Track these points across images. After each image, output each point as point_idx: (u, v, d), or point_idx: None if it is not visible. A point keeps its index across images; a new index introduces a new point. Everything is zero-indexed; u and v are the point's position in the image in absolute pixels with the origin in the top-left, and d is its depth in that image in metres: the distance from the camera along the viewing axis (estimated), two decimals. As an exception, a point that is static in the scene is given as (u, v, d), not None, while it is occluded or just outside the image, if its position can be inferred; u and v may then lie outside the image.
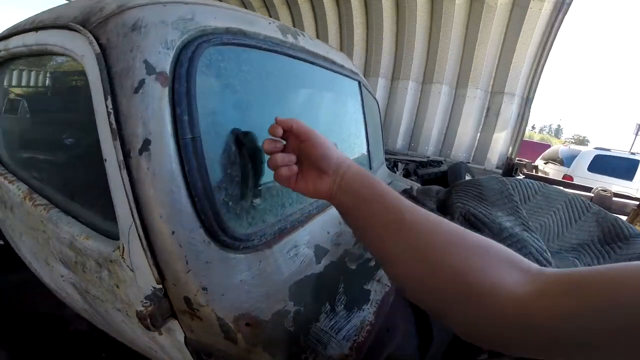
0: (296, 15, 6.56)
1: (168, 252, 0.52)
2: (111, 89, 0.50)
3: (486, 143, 5.49)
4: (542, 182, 1.18)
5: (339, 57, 1.25)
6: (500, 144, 5.39)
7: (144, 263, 0.57)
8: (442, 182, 4.05)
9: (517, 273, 0.34)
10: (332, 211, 0.90)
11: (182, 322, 0.64)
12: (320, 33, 6.31)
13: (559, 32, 5.02)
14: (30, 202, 0.89)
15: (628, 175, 6.12)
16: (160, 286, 0.58)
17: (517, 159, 5.08)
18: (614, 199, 3.31)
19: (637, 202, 2.86)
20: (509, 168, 4.46)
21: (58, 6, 0.74)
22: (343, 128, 1.19)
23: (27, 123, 1.15)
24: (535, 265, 0.36)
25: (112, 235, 0.65)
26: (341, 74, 1.22)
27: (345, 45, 6.16)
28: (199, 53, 0.53)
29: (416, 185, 1.36)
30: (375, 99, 1.88)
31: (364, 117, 1.33)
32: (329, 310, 0.68)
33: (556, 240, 1.18)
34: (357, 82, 1.38)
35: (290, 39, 0.85)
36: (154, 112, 0.49)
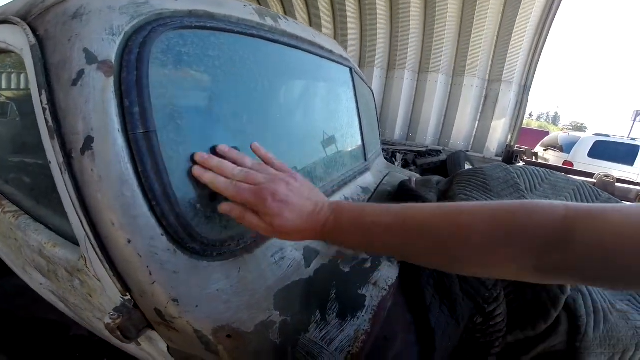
0: (288, 7, 6.45)
1: (127, 263, 0.47)
2: (47, 82, 0.43)
3: (484, 131, 5.43)
4: (547, 170, 1.11)
5: (328, 42, 1.16)
6: (498, 132, 5.34)
7: (106, 274, 0.52)
8: (441, 172, 4.00)
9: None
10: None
11: (160, 332, 0.59)
12: (314, 23, 6.22)
13: (555, 18, 4.94)
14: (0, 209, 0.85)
15: (628, 160, 6.09)
16: (129, 297, 0.53)
17: (516, 146, 5.02)
18: (616, 184, 3.26)
19: (642, 187, 2.79)
20: (509, 155, 4.41)
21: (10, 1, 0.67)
22: (334, 118, 1.11)
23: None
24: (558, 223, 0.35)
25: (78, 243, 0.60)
26: (330, 59, 1.13)
27: (339, 36, 6.07)
28: (152, 38, 0.47)
29: (415, 176, 1.29)
30: (369, 87, 1.80)
31: (357, 106, 1.25)
32: (320, 319, 0.62)
33: (567, 233, 1.12)
34: (348, 69, 1.29)
35: (269, 22, 0.77)
36: (96, 105, 0.42)
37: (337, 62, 1.20)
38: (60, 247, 0.66)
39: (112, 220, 0.43)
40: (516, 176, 0.96)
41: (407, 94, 5.82)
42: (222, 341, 0.56)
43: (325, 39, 1.14)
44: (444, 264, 0.45)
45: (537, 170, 1.05)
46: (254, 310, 0.58)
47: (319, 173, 0.87)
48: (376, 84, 5.90)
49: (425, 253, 0.44)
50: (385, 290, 0.68)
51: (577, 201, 1.17)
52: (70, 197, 0.44)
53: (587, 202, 1.18)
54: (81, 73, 0.42)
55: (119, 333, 0.52)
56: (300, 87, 0.94)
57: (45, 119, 0.43)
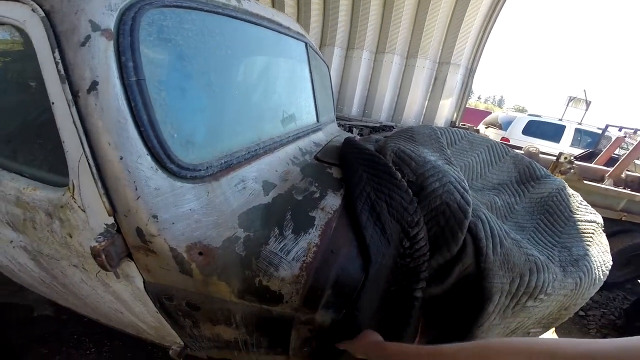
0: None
1: (117, 179, 0.57)
2: (58, 44, 0.56)
3: (433, 110, 5.85)
4: (467, 131, 1.34)
5: (286, 20, 1.28)
6: (445, 110, 5.78)
7: (94, 198, 0.60)
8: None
9: None
10: (280, 153, 0.98)
11: (138, 262, 0.67)
12: (277, 3, 6.12)
13: (504, 6, 5.31)
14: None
15: (556, 138, 6.85)
16: (113, 221, 0.61)
17: (461, 123, 5.49)
18: (540, 155, 3.75)
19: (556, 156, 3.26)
20: (454, 132, 4.81)
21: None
22: (290, 85, 1.25)
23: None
24: None
25: (60, 183, 0.68)
26: (287, 35, 1.26)
27: (302, 16, 6.05)
28: (141, 13, 0.61)
29: (357, 136, 1.48)
30: (324, 61, 1.94)
31: (311, 76, 1.40)
32: (278, 234, 0.73)
33: (479, 179, 1.35)
34: (304, 44, 1.43)
35: (233, 2, 0.90)
36: (100, 60, 0.55)
37: (294, 38, 1.33)
38: (40, 190, 0.70)
39: (109, 141, 0.56)
40: (439, 134, 1.18)
41: (365, 72, 6.04)
42: (194, 258, 0.64)
43: (283, 17, 1.26)
44: None
45: (457, 130, 1.29)
46: (221, 228, 0.67)
47: (278, 128, 1.02)
48: (336, 62, 6.03)
49: None
50: (331, 213, 0.82)
51: (490, 154, 1.39)
52: (75, 125, 0.56)
53: (498, 156, 1.42)
54: (88, 37, 0.55)
55: (103, 257, 0.59)
56: (260, 58, 1.07)
57: (58, 70, 0.56)
